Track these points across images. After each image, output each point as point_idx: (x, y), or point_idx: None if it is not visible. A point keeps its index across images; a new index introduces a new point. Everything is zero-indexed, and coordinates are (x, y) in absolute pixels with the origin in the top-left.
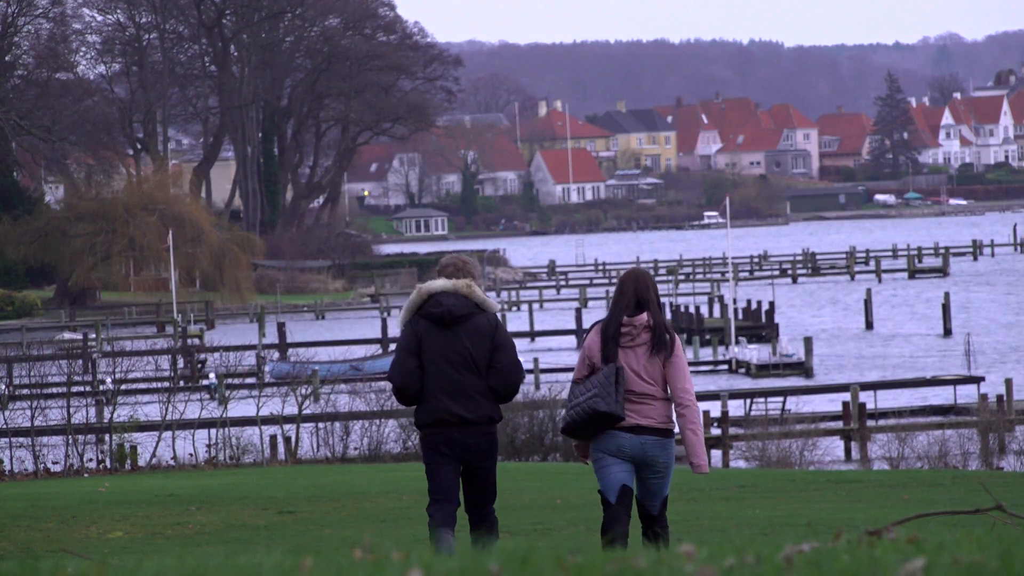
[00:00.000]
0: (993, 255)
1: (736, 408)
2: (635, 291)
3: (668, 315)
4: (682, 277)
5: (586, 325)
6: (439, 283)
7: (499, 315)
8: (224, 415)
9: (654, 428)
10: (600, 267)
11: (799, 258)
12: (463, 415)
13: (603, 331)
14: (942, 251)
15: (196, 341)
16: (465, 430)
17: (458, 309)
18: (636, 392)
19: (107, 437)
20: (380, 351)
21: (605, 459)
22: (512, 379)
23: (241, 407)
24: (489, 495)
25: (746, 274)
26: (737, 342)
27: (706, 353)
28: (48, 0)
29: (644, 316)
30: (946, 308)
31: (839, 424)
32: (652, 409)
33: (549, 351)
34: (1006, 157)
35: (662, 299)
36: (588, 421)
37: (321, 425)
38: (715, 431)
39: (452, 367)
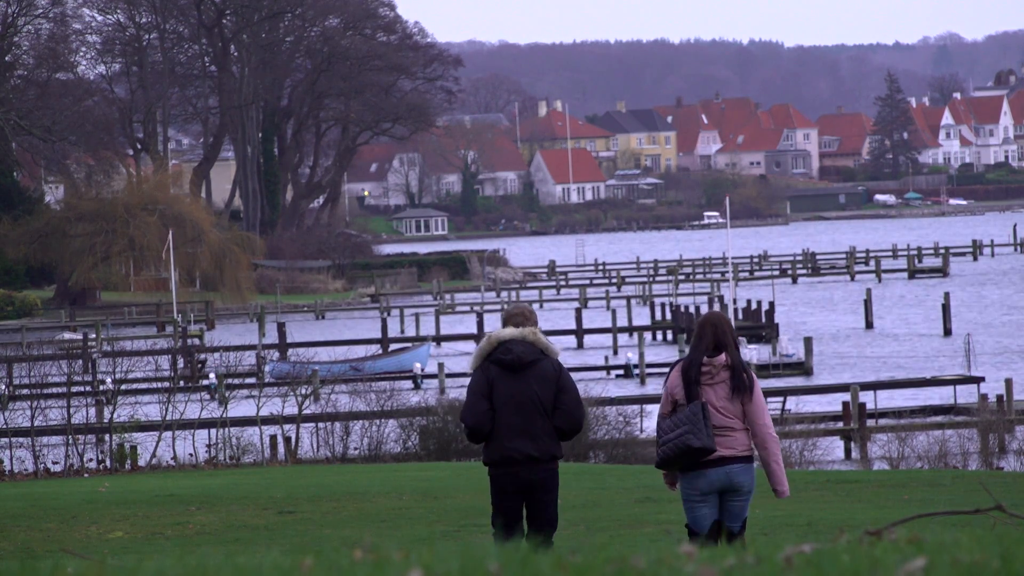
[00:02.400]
0: (993, 255)
1: None
2: (714, 334)
3: (668, 315)
4: (682, 277)
5: (586, 325)
6: (508, 331)
7: (561, 359)
8: (224, 415)
9: (737, 456)
10: (600, 267)
11: (799, 258)
12: (530, 453)
13: (685, 371)
14: (942, 251)
15: (196, 341)
16: (531, 467)
17: (526, 355)
18: (718, 426)
19: (107, 437)
20: (380, 351)
21: (695, 497)
22: (576, 418)
23: (241, 407)
24: (550, 523)
25: (746, 274)
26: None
27: None
28: (48, 0)
29: (723, 357)
30: (946, 308)
31: (839, 424)
32: (734, 440)
33: None
34: (1006, 157)
35: (666, 299)
36: (681, 455)
37: (321, 425)
38: None
39: (521, 409)
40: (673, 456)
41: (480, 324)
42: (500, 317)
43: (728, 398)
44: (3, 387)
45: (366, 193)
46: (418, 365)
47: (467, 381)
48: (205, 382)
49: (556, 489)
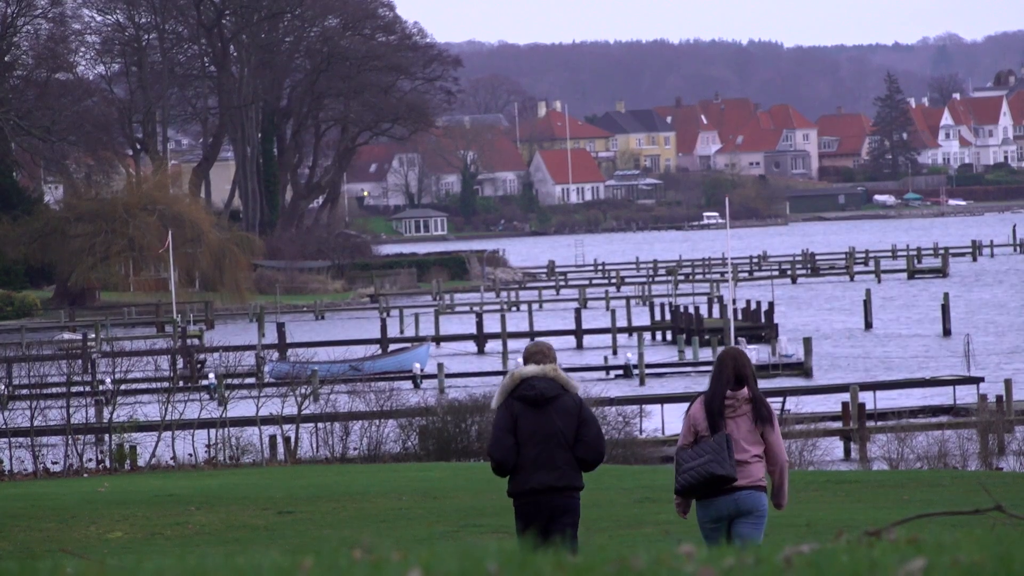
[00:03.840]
0: (992, 256)
1: None
2: (734, 368)
3: (667, 316)
4: (681, 278)
5: (586, 325)
6: (529, 369)
7: (581, 394)
8: (223, 415)
9: (748, 485)
10: (599, 267)
11: (798, 258)
12: (553, 484)
13: (708, 404)
14: (941, 252)
15: (195, 341)
16: (553, 496)
17: (548, 391)
18: (739, 459)
19: (106, 437)
20: (379, 351)
21: (708, 525)
22: (598, 450)
23: (240, 407)
24: (570, 550)
25: (745, 274)
26: (736, 342)
27: (706, 354)
28: (47, 0)
29: (744, 391)
30: (945, 308)
31: (838, 424)
32: (749, 470)
33: None
34: (1005, 158)
35: (666, 300)
36: (704, 483)
37: (320, 425)
38: None
39: (544, 442)
40: (696, 483)
41: (480, 324)
42: (521, 355)
43: (750, 430)
44: (3, 387)
45: (365, 193)
46: (417, 365)
47: (466, 381)
48: (204, 382)
49: (577, 515)
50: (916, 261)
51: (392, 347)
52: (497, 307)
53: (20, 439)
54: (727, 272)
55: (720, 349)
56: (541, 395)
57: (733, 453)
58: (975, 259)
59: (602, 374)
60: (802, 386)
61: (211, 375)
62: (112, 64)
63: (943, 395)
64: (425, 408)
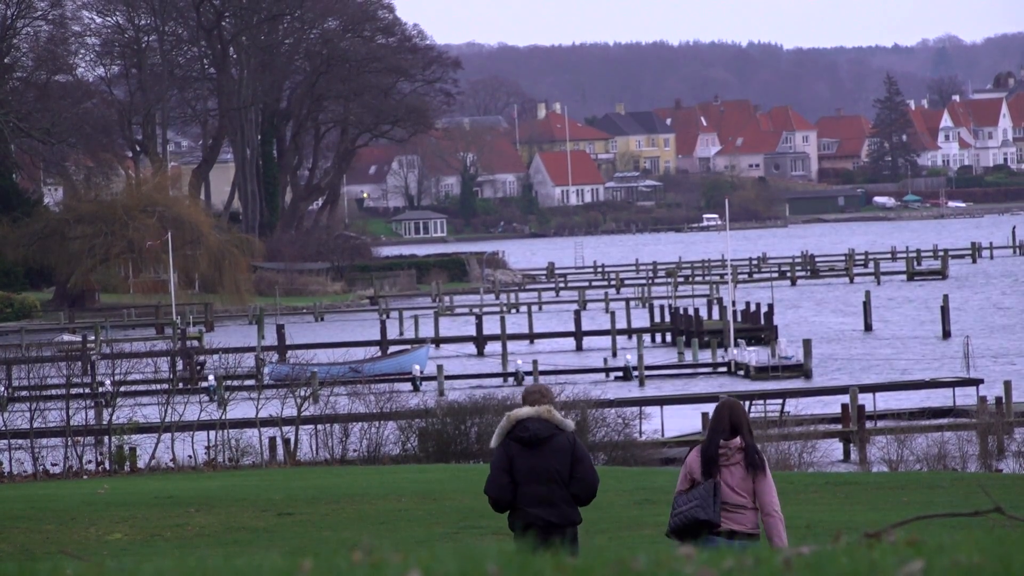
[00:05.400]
0: (992, 258)
1: None
2: (730, 418)
3: (667, 318)
4: (681, 279)
5: (585, 327)
6: (525, 411)
7: (575, 432)
8: (223, 417)
9: (746, 533)
10: (599, 269)
11: (798, 260)
12: (550, 520)
13: (703, 452)
14: (941, 253)
15: (195, 343)
16: (551, 531)
17: (542, 432)
18: (731, 504)
19: (106, 439)
20: (379, 353)
21: None
22: (591, 486)
23: (240, 409)
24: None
25: (745, 276)
26: (736, 344)
27: (705, 355)
28: (47, 2)
29: (738, 440)
30: (945, 310)
31: (838, 426)
32: (744, 517)
33: (548, 353)
34: (1005, 160)
35: (665, 301)
36: (689, 526)
37: (320, 427)
38: None
39: (539, 481)
40: (681, 526)
41: (479, 326)
42: (520, 395)
43: (743, 478)
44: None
45: (365, 195)
46: (417, 367)
47: (466, 383)
48: (204, 384)
49: (576, 547)
50: (916, 263)
51: (392, 349)
52: (497, 309)
53: (20, 441)
54: (727, 274)
55: (719, 401)
56: (535, 436)
57: (719, 499)
58: (975, 261)
59: (601, 376)
60: (802, 388)
61: (211, 377)
62: (112, 66)
63: (943, 397)
64: (424, 410)
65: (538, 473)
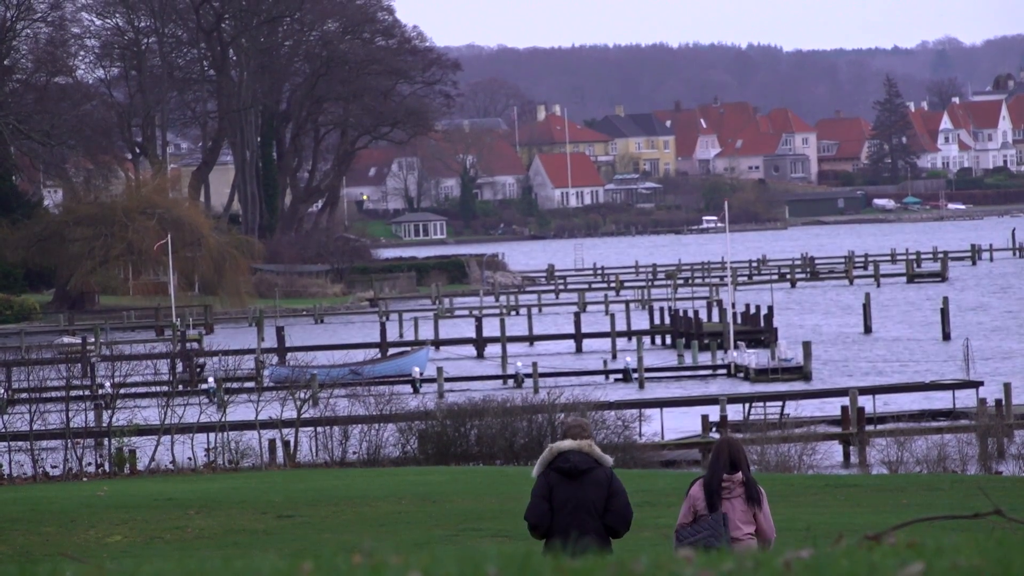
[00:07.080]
0: (992, 260)
1: (735, 412)
2: (729, 453)
3: (667, 320)
4: (681, 281)
5: (585, 329)
6: (567, 443)
7: (612, 468)
8: (223, 419)
9: None
10: (599, 271)
11: (798, 262)
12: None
13: (707, 485)
14: (941, 256)
15: (195, 345)
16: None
17: (582, 464)
18: (735, 536)
19: (106, 441)
20: (379, 355)
21: None
22: (625, 519)
23: (240, 411)
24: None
25: (745, 278)
26: (736, 346)
27: (705, 357)
28: (47, 4)
29: (739, 474)
30: (945, 312)
31: (838, 428)
32: (744, 547)
33: (548, 355)
34: (1005, 162)
35: (665, 304)
36: None
37: (320, 429)
38: (713, 435)
39: (576, 511)
40: None
41: (479, 328)
42: (560, 429)
43: (744, 510)
44: (2, 391)
45: (365, 197)
46: (417, 369)
47: (465, 385)
48: (204, 386)
49: None
50: (915, 265)
51: (391, 351)
52: (496, 311)
53: (20, 443)
54: (726, 276)
55: (717, 437)
56: (575, 468)
57: (729, 530)
58: (974, 263)
59: (601, 378)
60: (801, 390)
61: (210, 379)
62: (111, 68)
63: (942, 399)
64: (424, 412)
65: (575, 503)
